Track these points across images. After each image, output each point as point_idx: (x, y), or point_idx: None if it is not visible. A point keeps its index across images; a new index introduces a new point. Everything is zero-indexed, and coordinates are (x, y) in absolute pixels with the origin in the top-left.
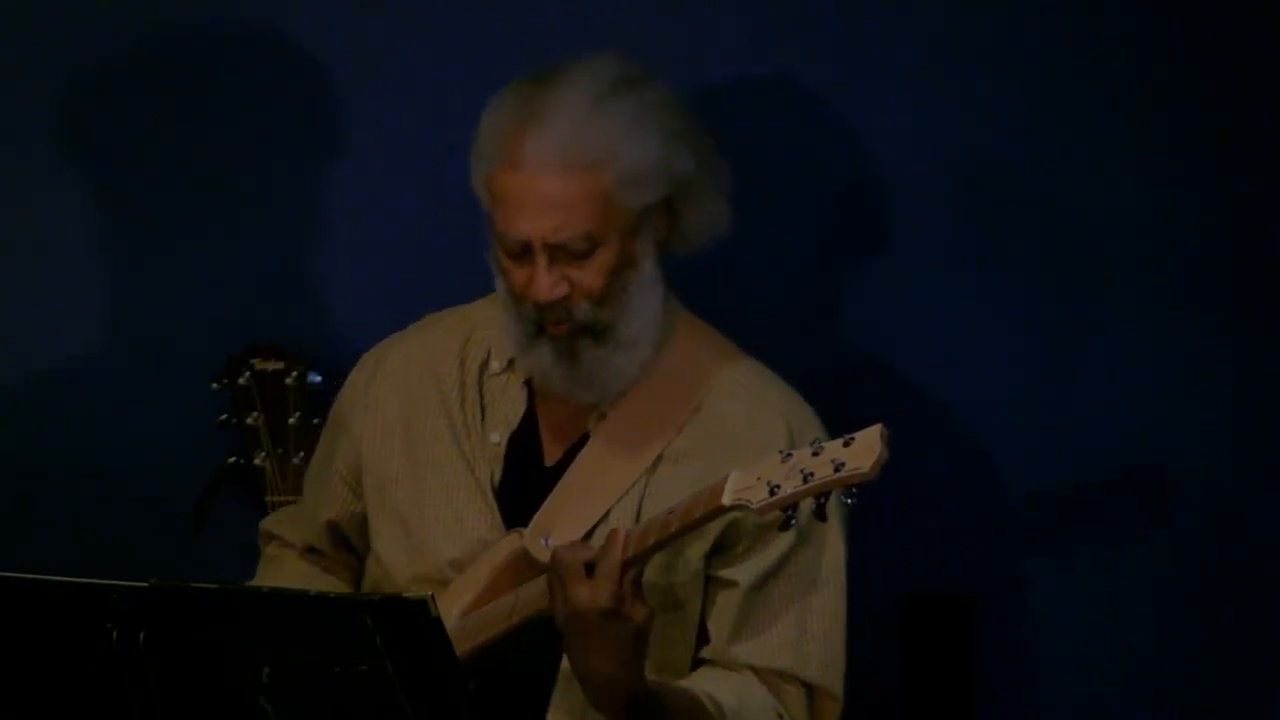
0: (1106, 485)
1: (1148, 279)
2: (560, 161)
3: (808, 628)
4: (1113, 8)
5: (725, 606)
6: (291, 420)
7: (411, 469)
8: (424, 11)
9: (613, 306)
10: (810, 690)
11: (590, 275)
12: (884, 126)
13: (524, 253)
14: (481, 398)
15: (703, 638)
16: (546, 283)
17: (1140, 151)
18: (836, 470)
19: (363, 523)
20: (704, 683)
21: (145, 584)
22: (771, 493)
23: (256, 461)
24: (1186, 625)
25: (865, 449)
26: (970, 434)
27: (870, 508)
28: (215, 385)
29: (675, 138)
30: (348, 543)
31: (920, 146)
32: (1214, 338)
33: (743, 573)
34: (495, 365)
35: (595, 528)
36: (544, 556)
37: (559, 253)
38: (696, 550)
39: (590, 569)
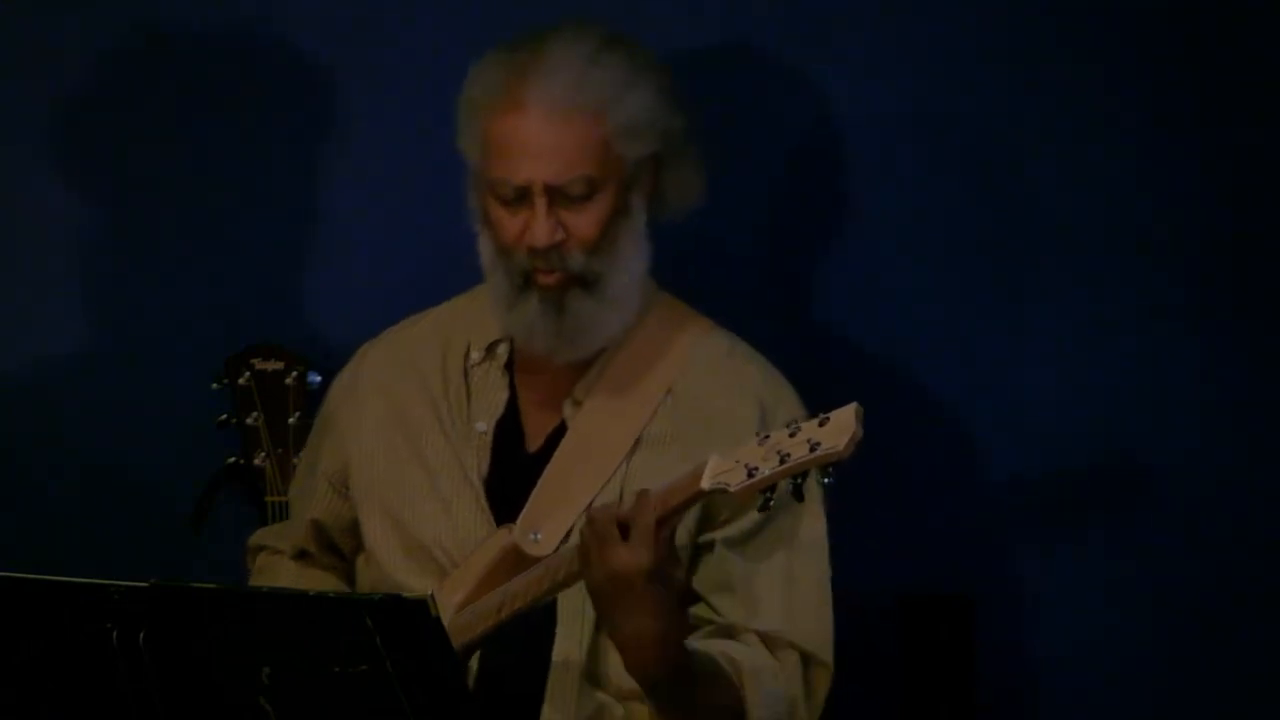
0: (1107, 485)
1: (1149, 273)
2: (565, 105)
3: (794, 591)
4: None
5: (707, 565)
6: (291, 420)
7: (399, 464)
8: (423, 12)
9: (604, 256)
10: (804, 657)
11: (586, 222)
12: (860, 105)
13: (519, 199)
14: (467, 388)
15: (691, 602)
16: (545, 227)
17: (1127, 137)
18: (812, 450)
19: (347, 524)
20: (713, 644)
21: (145, 584)
22: (750, 475)
23: (256, 461)
24: (1187, 625)
25: (840, 428)
26: (970, 434)
27: (870, 508)
28: (215, 385)
29: (666, 93)
30: (333, 545)
31: (902, 129)
32: (1217, 333)
33: (722, 533)
34: (475, 355)
35: (580, 518)
36: (534, 551)
37: (557, 197)
38: (680, 526)
39: (624, 530)
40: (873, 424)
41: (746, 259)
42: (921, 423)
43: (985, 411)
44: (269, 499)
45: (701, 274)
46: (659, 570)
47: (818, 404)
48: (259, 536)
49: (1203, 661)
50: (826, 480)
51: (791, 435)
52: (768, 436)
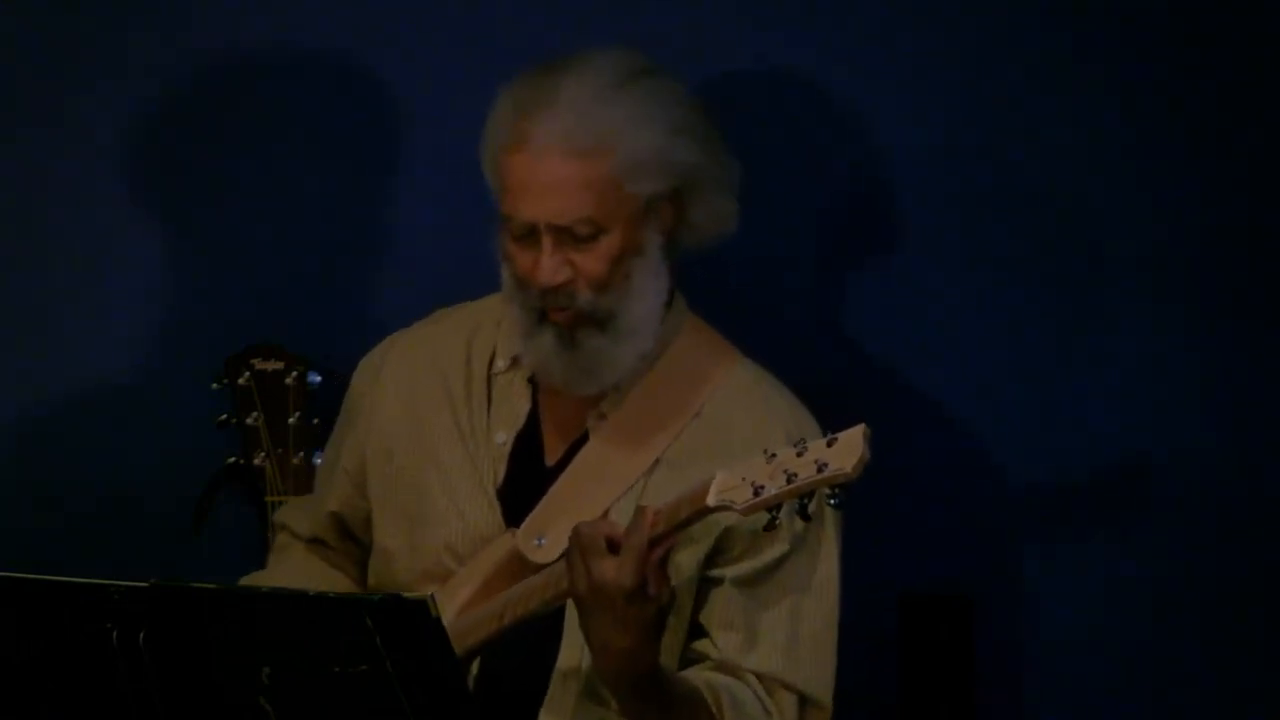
0: (1106, 484)
1: (1149, 274)
2: (565, 145)
3: (799, 633)
4: (1115, 2)
5: (714, 601)
6: (291, 420)
7: (415, 465)
8: (429, 13)
9: (615, 294)
10: (802, 699)
11: (594, 261)
12: (882, 124)
13: (529, 236)
14: (489, 396)
15: (694, 636)
16: (550, 267)
17: (1141, 148)
18: (819, 471)
19: (365, 516)
20: (699, 671)
21: (145, 584)
22: (755, 493)
23: (256, 461)
24: (1186, 624)
25: (848, 449)
26: (970, 433)
27: (869, 508)
28: (215, 385)
29: (681, 129)
30: (351, 534)
31: (920, 146)
32: (1215, 333)
33: (733, 570)
34: (500, 363)
35: None
36: (537, 557)
37: (563, 236)
38: (690, 556)
39: (612, 546)
40: (873, 424)
41: (765, 272)
42: (921, 423)
43: (985, 412)
44: (269, 499)
45: (731, 289)
46: (642, 590)
47: (820, 402)
48: (283, 513)
49: (1202, 661)
50: (833, 501)
51: (799, 455)
52: (775, 455)
